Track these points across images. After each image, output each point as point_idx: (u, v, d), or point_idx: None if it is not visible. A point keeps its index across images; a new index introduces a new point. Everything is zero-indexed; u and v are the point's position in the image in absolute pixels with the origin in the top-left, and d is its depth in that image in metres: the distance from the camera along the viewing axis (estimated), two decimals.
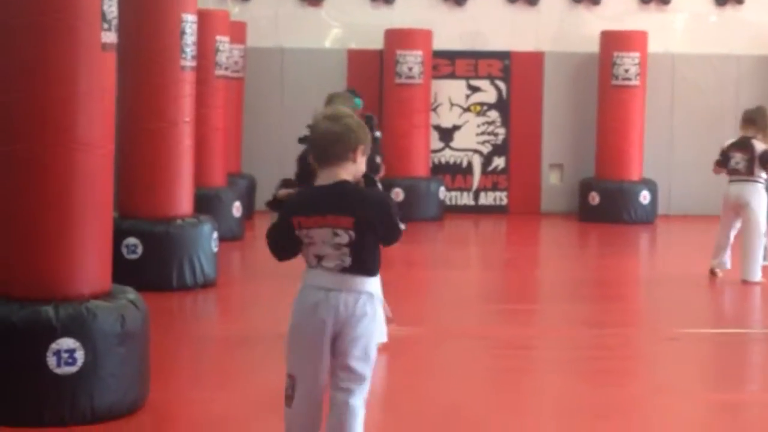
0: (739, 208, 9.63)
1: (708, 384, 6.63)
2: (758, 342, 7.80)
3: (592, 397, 6.15)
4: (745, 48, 14.27)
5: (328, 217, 4.15)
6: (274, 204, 4.31)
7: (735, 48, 14.25)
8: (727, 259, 9.79)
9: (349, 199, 4.16)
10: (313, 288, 4.23)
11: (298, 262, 4.34)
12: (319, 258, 4.20)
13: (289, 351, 4.30)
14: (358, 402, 4.20)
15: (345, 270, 4.18)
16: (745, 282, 9.56)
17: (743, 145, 9.64)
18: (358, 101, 7.03)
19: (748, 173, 9.57)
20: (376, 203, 4.21)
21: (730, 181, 9.70)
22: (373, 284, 4.24)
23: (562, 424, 5.64)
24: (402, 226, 4.26)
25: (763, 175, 9.55)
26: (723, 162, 9.75)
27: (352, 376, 4.19)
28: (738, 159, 9.63)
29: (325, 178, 4.23)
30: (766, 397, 6.40)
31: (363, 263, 4.19)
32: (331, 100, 6.84)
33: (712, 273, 9.80)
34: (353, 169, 4.23)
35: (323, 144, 4.20)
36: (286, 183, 4.34)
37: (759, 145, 9.55)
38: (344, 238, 4.15)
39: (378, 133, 7.09)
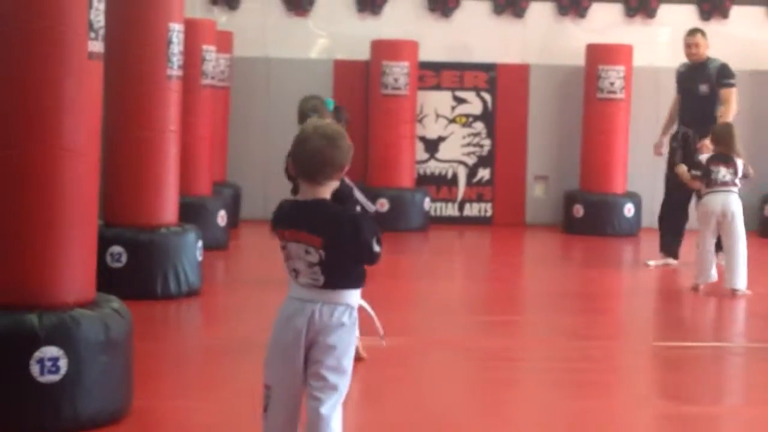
0: (723, 218, 9.69)
1: (689, 397, 6.66)
2: (740, 356, 7.84)
3: (574, 409, 6.17)
4: (731, 62, 14.27)
5: (302, 233, 4.17)
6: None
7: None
8: (714, 272, 9.84)
9: (320, 219, 4.15)
10: (292, 299, 4.25)
11: (282, 272, 4.35)
12: (296, 272, 4.22)
13: (266, 361, 4.32)
14: (330, 411, 4.19)
15: (320, 287, 4.18)
16: (735, 291, 9.61)
17: (726, 159, 9.73)
18: (329, 101, 7.21)
19: (733, 184, 9.70)
20: (347, 224, 4.15)
21: (713, 191, 9.75)
22: (351, 296, 4.23)
23: None
24: (377, 249, 4.16)
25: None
26: (704, 176, 9.82)
27: (324, 384, 4.19)
28: (724, 172, 9.71)
29: (305, 192, 4.23)
30: (746, 410, 6.42)
31: (337, 282, 4.18)
32: (305, 101, 7.07)
33: (695, 289, 9.84)
34: (334, 186, 4.23)
35: (311, 164, 4.17)
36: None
37: (739, 162, 9.70)
38: (314, 256, 4.15)
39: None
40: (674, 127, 11.39)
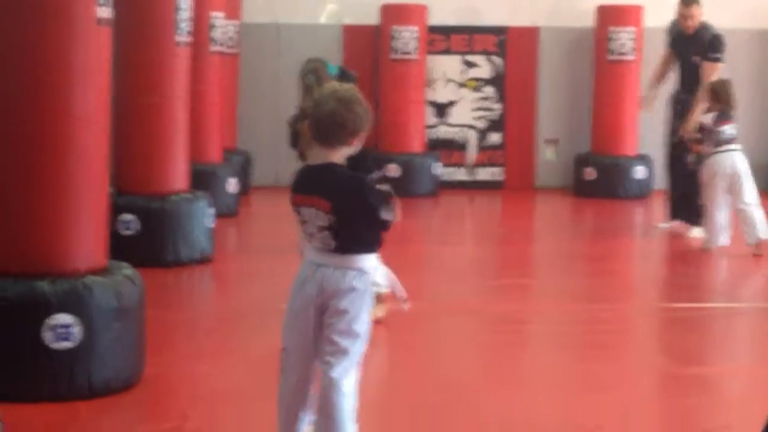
0: (733, 178, 9.66)
1: (698, 358, 6.67)
2: (750, 316, 7.84)
3: (586, 371, 6.19)
4: (739, 21, 14.22)
5: (313, 197, 4.17)
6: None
7: (729, 21, 14.20)
8: (727, 235, 9.81)
9: (329, 184, 4.15)
10: (307, 263, 4.27)
11: (293, 237, 4.37)
12: (310, 236, 4.23)
13: (284, 324, 4.34)
14: (341, 375, 4.19)
15: (332, 251, 4.19)
16: (759, 244, 9.56)
17: (729, 116, 9.72)
18: (332, 67, 7.20)
19: (736, 142, 9.69)
20: (353, 188, 4.13)
21: (719, 151, 9.70)
22: (364, 261, 4.24)
23: (555, 397, 5.68)
24: (384, 216, 4.12)
25: None
26: (702, 139, 9.80)
27: (334, 349, 4.20)
28: (729, 129, 9.69)
29: (317, 156, 4.23)
30: (755, 369, 6.44)
31: (348, 246, 4.19)
32: (306, 63, 7.15)
33: (706, 251, 9.82)
34: (346, 152, 4.22)
35: (326, 126, 4.16)
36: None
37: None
38: (324, 221, 4.15)
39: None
40: (675, 88, 11.08)
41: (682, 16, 10.86)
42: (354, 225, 4.17)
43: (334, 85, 4.34)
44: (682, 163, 10.76)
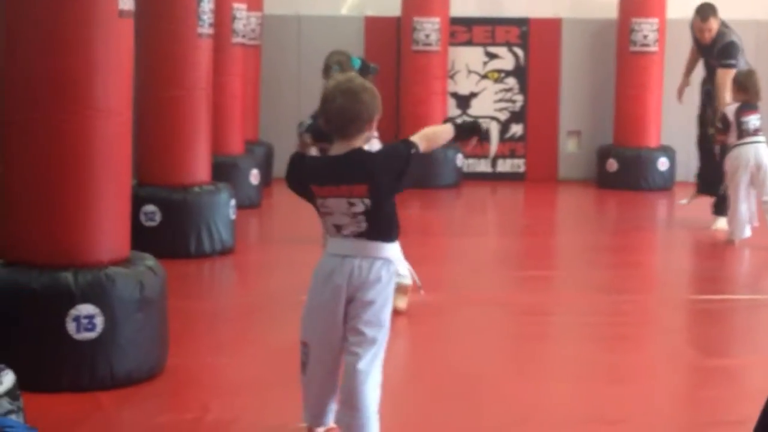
0: (757, 170, 9.61)
1: (723, 350, 6.64)
2: None
3: (609, 362, 6.17)
4: (766, 13, 14.15)
5: (342, 187, 4.16)
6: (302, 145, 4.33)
7: (755, 13, 14.15)
8: (748, 228, 9.76)
9: (361, 167, 4.16)
10: (330, 256, 4.26)
11: (314, 228, 4.36)
12: (338, 227, 4.23)
13: (304, 318, 4.33)
14: (368, 366, 4.19)
15: (361, 234, 4.19)
16: None
17: (754, 107, 9.66)
18: (356, 60, 7.12)
19: (761, 134, 9.63)
20: (387, 159, 4.22)
21: (743, 143, 9.65)
22: (389, 250, 4.25)
23: (579, 388, 5.66)
24: (407, 148, 4.25)
25: None
26: (725, 129, 9.73)
27: (361, 339, 4.20)
28: (754, 120, 9.63)
29: (338, 147, 4.24)
30: None
31: (380, 228, 4.21)
32: (331, 55, 7.04)
33: (730, 243, 9.77)
34: (367, 136, 4.25)
35: (339, 121, 4.19)
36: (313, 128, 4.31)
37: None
38: (360, 206, 4.16)
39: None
40: (703, 77, 11.22)
41: (699, 30, 10.90)
42: (389, 205, 4.20)
43: (336, 78, 4.33)
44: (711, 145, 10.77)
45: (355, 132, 4.20)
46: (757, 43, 14.13)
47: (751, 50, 14.10)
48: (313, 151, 4.39)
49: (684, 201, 11.03)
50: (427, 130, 4.41)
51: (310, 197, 4.30)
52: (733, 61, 10.58)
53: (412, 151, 4.26)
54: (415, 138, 4.33)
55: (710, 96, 10.81)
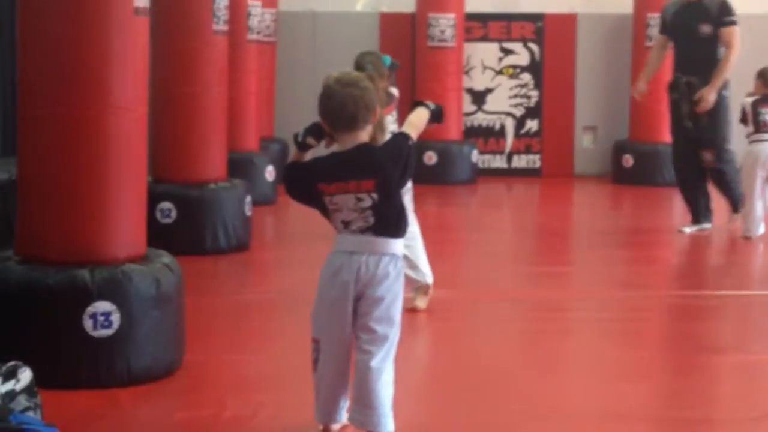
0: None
1: (741, 345, 6.62)
2: None
3: (624, 358, 6.15)
4: None
5: (350, 183, 4.17)
6: (302, 145, 4.28)
7: (763, 7, 14.10)
8: (763, 225, 9.72)
9: (369, 161, 4.17)
10: (338, 252, 4.26)
11: (329, 225, 4.36)
12: (346, 223, 4.23)
13: (314, 315, 4.33)
14: (381, 364, 4.19)
15: (368, 230, 4.19)
16: None
17: None
18: (387, 58, 7.03)
19: None
20: (393, 152, 4.23)
21: (761, 140, 9.60)
22: (397, 246, 4.25)
23: (594, 384, 5.65)
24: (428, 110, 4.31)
25: None
26: (744, 121, 9.69)
27: (374, 337, 4.20)
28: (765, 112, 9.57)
29: (343, 143, 4.23)
30: None
31: (387, 223, 4.21)
32: (362, 56, 6.90)
33: (746, 238, 9.74)
34: (370, 129, 4.25)
35: (344, 115, 4.19)
36: (313, 129, 4.27)
37: None
38: (367, 201, 4.17)
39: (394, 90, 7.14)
40: (675, 74, 10.18)
41: None
42: (396, 199, 4.21)
43: (332, 75, 4.31)
44: (689, 156, 10.08)
45: (361, 123, 4.20)
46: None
47: None
48: (308, 157, 4.37)
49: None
50: (412, 118, 4.41)
51: (315, 200, 4.28)
52: (735, 18, 9.79)
53: (409, 142, 4.27)
54: (405, 129, 4.33)
55: (691, 88, 9.90)
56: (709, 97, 9.68)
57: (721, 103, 9.84)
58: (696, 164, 10.07)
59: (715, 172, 10.05)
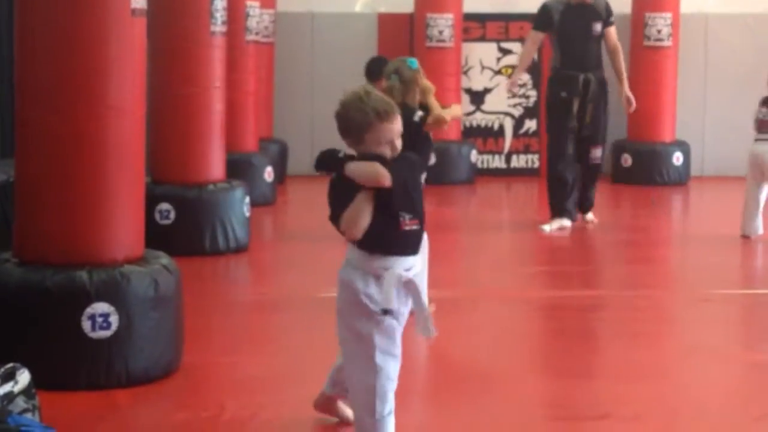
0: (766, 169, 9.55)
1: (741, 345, 6.62)
2: None
3: (627, 359, 6.15)
4: None
5: None
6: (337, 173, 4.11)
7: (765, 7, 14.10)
8: (760, 224, 9.71)
9: None
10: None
11: (328, 226, 4.33)
12: None
13: None
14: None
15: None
16: None
17: None
18: (413, 61, 6.82)
19: None
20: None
21: (757, 139, 9.60)
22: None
23: (595, 385, 5.65)
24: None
25: None
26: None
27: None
28: (765, 112, 9.56)
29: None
30: None
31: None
32: (389, 64, 6.73)
33: (744, 237, 9.73)
34: (369, 145, 4.05)
35: (339, 130, 4.13)
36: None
37: None
38: None
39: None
40: (561, 70, 10.11)
41: None
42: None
43: (346, 91, 4.20)
44: (568, 153, 10.07)
45: (348, 141, 4.07)
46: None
47: None
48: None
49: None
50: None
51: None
52: (614, 19, 10.27)
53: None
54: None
55: (588, 85, 9.99)
56: (631, 96, 10.22)
57: (607, 101, 10.33)
58: (581, 162, 10.22)
59: (595, 168, 10.37)
